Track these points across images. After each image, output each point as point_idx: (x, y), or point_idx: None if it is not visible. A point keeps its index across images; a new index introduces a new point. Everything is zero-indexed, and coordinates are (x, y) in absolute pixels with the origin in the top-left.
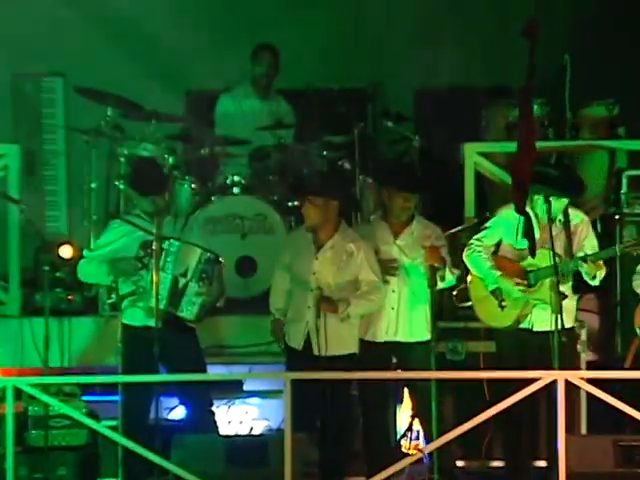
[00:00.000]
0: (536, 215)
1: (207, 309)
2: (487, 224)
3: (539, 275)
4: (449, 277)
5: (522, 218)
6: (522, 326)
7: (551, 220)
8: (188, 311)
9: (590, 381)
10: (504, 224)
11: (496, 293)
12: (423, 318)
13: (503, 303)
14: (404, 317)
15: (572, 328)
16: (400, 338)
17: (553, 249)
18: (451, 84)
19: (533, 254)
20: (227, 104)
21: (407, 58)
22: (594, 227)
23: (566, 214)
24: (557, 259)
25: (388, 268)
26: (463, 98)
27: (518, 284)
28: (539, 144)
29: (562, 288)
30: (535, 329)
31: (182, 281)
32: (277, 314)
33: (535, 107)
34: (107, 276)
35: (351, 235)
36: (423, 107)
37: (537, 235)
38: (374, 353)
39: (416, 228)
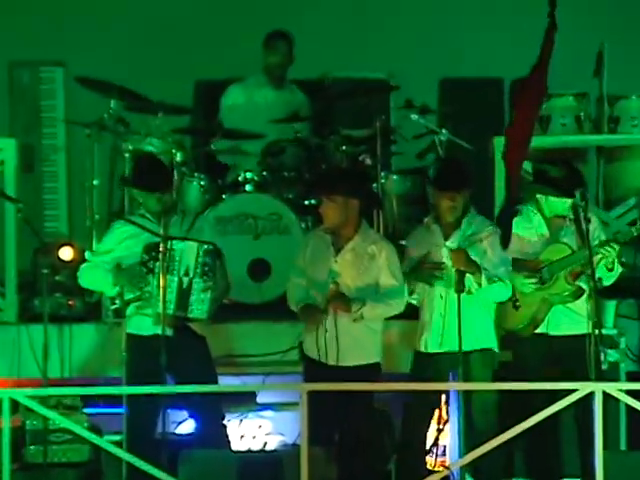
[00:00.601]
0: (541, 211)
1: (217, 303)
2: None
3: (553, 268)
4: (485, 284)
5: (539, 215)
6: (538, 331)
7: (561, 216)
8: (199, 310)
9: (630, 393)
10: (516, 222)
11: None
12: (476, 326)
13: (517, 303)
14: (452, 325)
15: (590, 333)
16: (448, 348)
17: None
18: (478, 74)
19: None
20: (238, 95)
21: (432, 44)
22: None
23: (575, 210)
24: (571, 250)
25: (431, 275)
26: (492, 88)
27: (528, 277)
28: (574, 139)
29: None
30: (552, 333)
31: (186, 280)
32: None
33: (570, 99)
34: (112, 287)
35: (373, 236)
36: (449, 98)
37: (545, 231)
38: (426, 365)
39: (467, 228)
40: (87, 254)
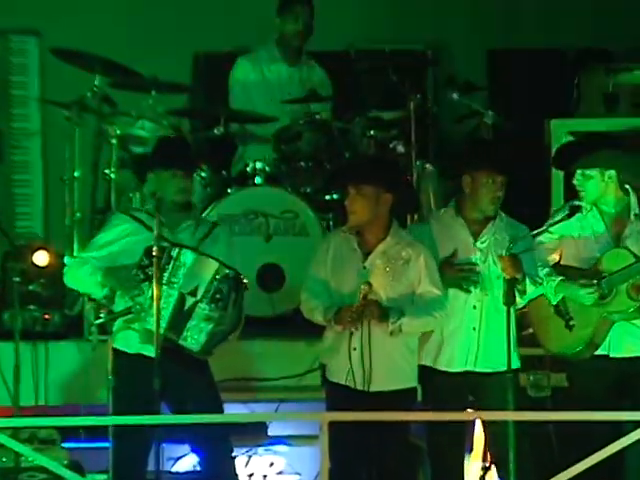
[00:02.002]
0: (601, 210)
1: (217, 341)
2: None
3: (613, 280)
4: (531, 290)
5: (595, 212)
6: (598, 352)
7: (622, 212)
8: (193, 340)
9: None
10: (567, 221)
11: (560, 309)
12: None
13: (571, 322)
14: (486, 341)
15: None
16: (480, 367)
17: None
18: (533, 45)
19: None
20: (246, 70)
21: (477, 12)
22: None
23: None
24: (635, 257)
25: (466, 278)
26: (549, 63)
27: (586, 286)
28: None
29: None
30: (614, 355)
31: (190, 300)
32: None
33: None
34: (100, 288)
35: (406, 238)
36: (498, 74)
37: (603, 230)
38: (447, 387)
39: (499, 227)
40: (66, 259)
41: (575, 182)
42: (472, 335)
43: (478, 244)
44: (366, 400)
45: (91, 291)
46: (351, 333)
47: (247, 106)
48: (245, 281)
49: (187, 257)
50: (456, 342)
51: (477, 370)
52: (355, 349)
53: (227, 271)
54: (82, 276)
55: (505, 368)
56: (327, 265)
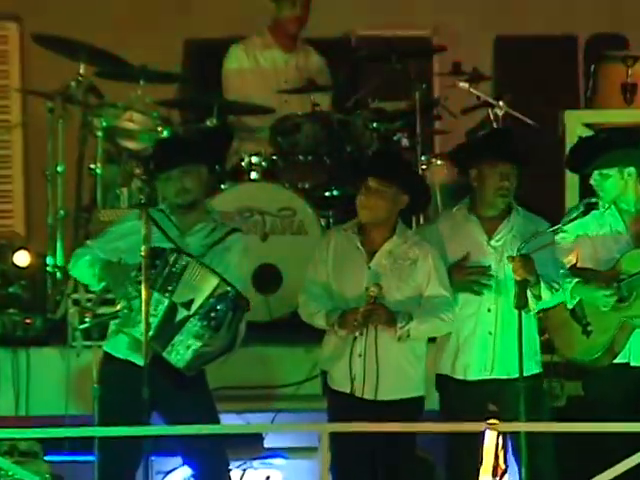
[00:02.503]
0: (620, 208)
1: (204, 361)
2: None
3: (633, 283)
4: (547, 296)
5: (613, 210)
6: (617, 360)
7: None
8: (178, 355)
9: None
10: (583, 220)
11: (577, 313)
12: (529, 347)
13: (589, 328)
14: (503, 345)
15: None
16: (497, 374)
17: None
18: (546, 30)
19: None
20: (239, 58)
21: None
22: None
23: None
24: None
25: (477, 281)
26: (562, 50)
27: (604, 288)
28: None
29: None
30: (634, 363)
31: (182, 313)
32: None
33: None
34: (97, 281)
35: (412, 237)
36: (507, 62)
37: (622, 228)
38: (465, 396)
39: (515, 222)
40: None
41: (592, 182)
42: (488, 340)
43: (492, 242)
44: (371, 410)
45: (89, 282)
46: (354, 338)
47: (241, 97)
48: (249, 303)
49: (188, 264)
50: (472, 348)
51: (495, 377)
52: (360, 355)
53: (227, 289)
54: (81, 265)
55: (528, 374)
56: (328, 265)
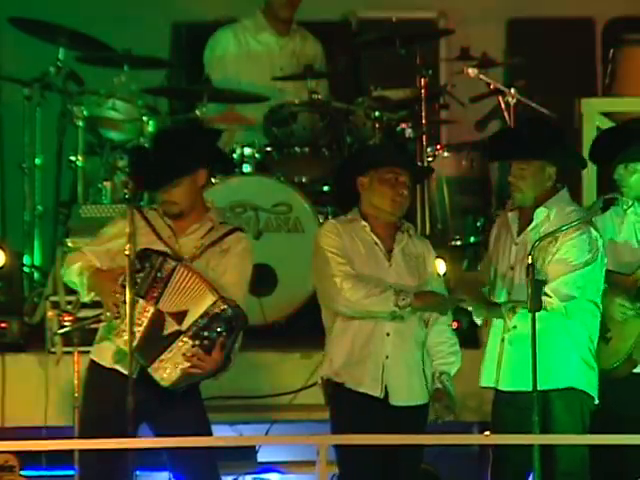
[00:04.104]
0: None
1: (191, 381)
2: None
3: None
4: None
5: (637, 207)
6: (637, 370)
7: None
8: (165, 374)
9: None
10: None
11: None
12: (555, 357)
13: (608, 334)
14: (516, 354)
15: None
16: (526, 386)
17: None
18: (561, 13)
19: None
20: (228, 43)
21: None
22: None
23: None
24: None
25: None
26: (578, 33)
27: (622, 297)
28: None
29: None
30: None
31: (173, 327)
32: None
33: None
34: (86, 292)
35: (411, 231)
36: (519, 46)
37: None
38: (504, 407)
39: (547, 220)
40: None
41: (616, 177)
42: (499, 347)
43: (519, 238)
44: (397, 415)
45: (80, 291)
46: (382, 339)
47: (232, 84)
48: (246, 319)
49: (174, 269)
50: (504, 357)
51: (522, 389)
52: (388, 357)
53: (225, 308)
54: (70, 274)
55: (552, 387)
56: (351, 254)
